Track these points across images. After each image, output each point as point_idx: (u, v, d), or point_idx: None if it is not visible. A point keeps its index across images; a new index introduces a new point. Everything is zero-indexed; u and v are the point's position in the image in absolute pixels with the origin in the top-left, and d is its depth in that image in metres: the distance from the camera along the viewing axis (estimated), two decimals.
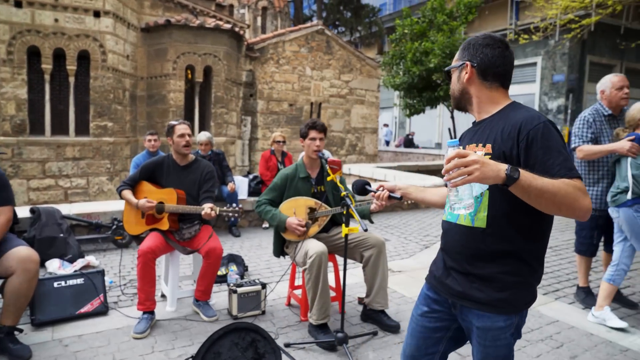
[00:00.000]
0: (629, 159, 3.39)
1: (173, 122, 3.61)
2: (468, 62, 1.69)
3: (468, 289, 1.62)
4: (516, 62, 14.36)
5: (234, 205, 3.39)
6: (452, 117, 10.55)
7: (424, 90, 9.98)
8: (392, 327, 3.33)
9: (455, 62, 1.76)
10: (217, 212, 3.31)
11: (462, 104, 1.77)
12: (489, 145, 1.59)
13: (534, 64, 20.33)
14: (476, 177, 1.32)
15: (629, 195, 3.37)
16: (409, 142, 23.62)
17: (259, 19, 19.46)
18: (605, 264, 4.01)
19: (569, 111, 19.31)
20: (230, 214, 3.33)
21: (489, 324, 1.60)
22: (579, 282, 4.07)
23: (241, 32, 12.94)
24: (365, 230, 2.67)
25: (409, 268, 4.93)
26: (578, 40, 18.18)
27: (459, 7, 9.72)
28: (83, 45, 10.05)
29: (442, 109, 20.85)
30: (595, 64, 20.15)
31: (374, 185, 2.25)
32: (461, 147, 1.53)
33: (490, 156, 1.54)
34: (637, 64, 20.93)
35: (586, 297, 3.96)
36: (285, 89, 14.13)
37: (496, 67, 1.67)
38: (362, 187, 2.27)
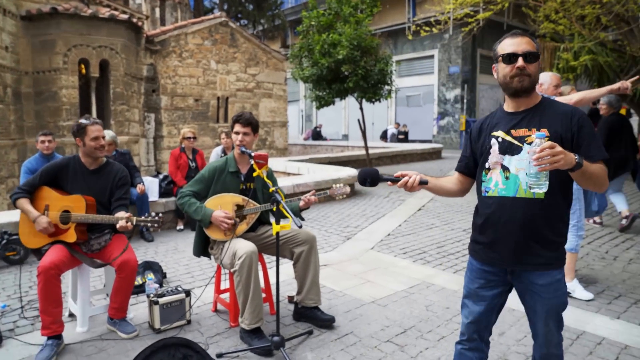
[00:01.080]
0: None
1: (84, 122, 3.16)
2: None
3: (528, 254, 1.91)
4: (415, 55, 15.09)
5: (153, 214, 3.00)
6: (361, 109, 10.74)
7: (333, 82, 10.03)
8: (328, 321, 3.26)
9: (536, 50, 1.92)
10: (134, 223, 2.93)
11: (532, 90, 1.95)
12: (544, 129, 1.87)
13: (432, 56, 21.43)
14: (561, 165, 1.66)
15: None
16: (317, 135, 23.86)
17: (157, 10, 18.46)
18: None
19: (465, 100, 20.62)
20: (149, 225, 2.94)
21: (549, 279, 1.92)
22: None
23: (139, 24, 12.16)
24: (300, 226, 2.55)
25: (334, 261, 4.90)
26: (470, 34, 19.45)
27: (364, 0, 9.88)
28: None
29: (348, 101, 21.28)
30: (485, 57, 21.68)
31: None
32: (547, 139, 1.70)
33: (548, 138, 1.78)
34: None
35: None
36: (190, 83, 13.54)
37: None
38: (376, 177, 2.03)
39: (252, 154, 2.99)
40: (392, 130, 21.26)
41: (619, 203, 6.02)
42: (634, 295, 3.90)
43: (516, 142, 1.92)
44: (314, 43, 9.73)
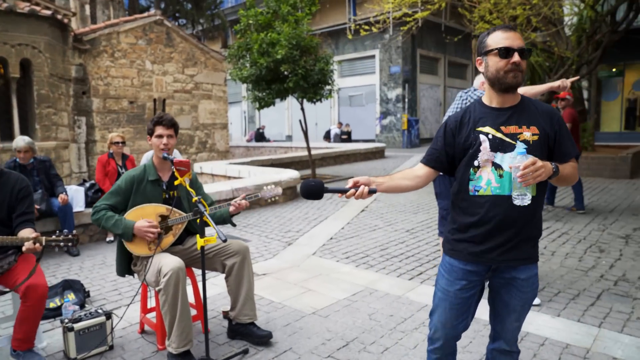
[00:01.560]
0: None
1: None
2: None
3: (517, 250, 1.94)
4: (357, 55, 15.13)
5: (65, 232, 2.66)
6: (302, 109, 10.56)
7: (272, 82, 9.78)
8: (264, 337, 3.04)
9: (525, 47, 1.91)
10: (44, 244, 2.57)
11: (517, 85, 1.93)
12: (533, 127, 1.91)
13: (373, 56, 21.62)
14: (543, 178, 1.78)
15: None
16: (260, 136, 23.52)
17: (87, 8, 17.47)
18: None
19: (406, 100, 20.95)
20: (62, 244, 2.60)
21: (529, 273, 1.99)
22: None
23: (65, 21, 11.39)
24: (224, 240, 2.32)
25: (274, 269, 4.69)
26: (409, 34, 19.77)
27: None
28: None
29: (290, 101, 21.10)
30: (424, 57, 22.15)
31: (334, 185, 1.92)
32: (528, 155, 1.78)
33: (538, 136, 1.90)
34: (456, 57, 23.53)
35: None
36: (123, 84, 12.87)
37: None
38: (319, 190, 1.92)
39: (174, 160, 2.72)
40: (335, 130, 21.27)
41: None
42: (572, 290, 3.95)
43: (508, 140, 1.90)
44: (252, 42, 9.45)
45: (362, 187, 1.92)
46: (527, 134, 1.89)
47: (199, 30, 26.48)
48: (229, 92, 18.70)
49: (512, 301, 2.01)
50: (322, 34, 21.52)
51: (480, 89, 3.82)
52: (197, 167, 11.63)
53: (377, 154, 16.73)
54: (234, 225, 3.20)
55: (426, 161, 2.07)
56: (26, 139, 5.20)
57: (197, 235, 2.45)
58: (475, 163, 1.93)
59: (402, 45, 20.45)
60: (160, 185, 3.01)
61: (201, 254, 2.50)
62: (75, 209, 5.49)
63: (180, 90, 14.27)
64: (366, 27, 10.41)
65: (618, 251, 5.01)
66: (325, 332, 3.24)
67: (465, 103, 3.81)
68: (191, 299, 3.31)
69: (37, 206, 4.95)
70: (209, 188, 7.31)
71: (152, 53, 13.41)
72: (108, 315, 2.99)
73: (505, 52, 1.85)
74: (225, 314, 3.38)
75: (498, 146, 1.89)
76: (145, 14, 13.90)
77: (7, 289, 2.80)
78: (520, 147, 1.85)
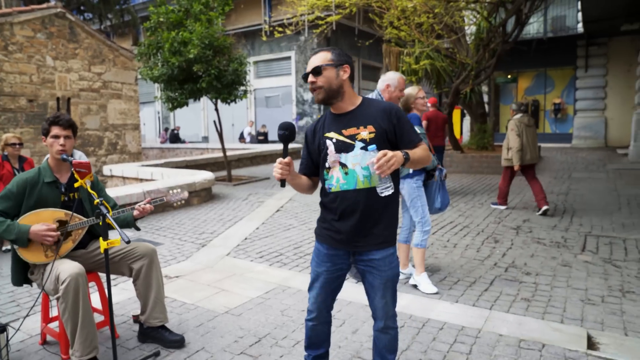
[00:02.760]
0: None
1: None
2: (347, 65, 2.19)
3: (369, 235, 2.19)
4: (273, 56, 15.20)
5: None
6: (217, 110, 10.44)
7: (185, 82, 9.56)
8: (176, 342, 3.02)
9: (329, 61, 2.15)
10: None
11: (334, 97, 2.17)
12: (370, 126, 2.15)
13: (289, 57, 21.79)
14: (396, 165, 1.96)
15: (411, 170, 3.92)
16: (175, 138, 22.83)
17: None
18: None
19: None
20: None
21: (385, 254, 2.22)
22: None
23: None
24: (128, 242, 2.29)
25: (187, 271, 4.63)
26: (324, 37, 20.11)
27: None
28: None
29: (205, 102, 20.68)
30: None
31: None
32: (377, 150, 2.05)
33: (374, 133, 2.13)
34: (370, 61, 24.38)
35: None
36: (21, 81, 11.93)
37: (353, 74, 2.23)
38: (293, 133, 2.17)
39: (72, 162, 2.62)
40: (247, 129, 21.18)
41: None
42: (469, 278, 4.29)
43: (348, 141, 2.15)
44: (163, 41, 9.18)
45: (291, 167, 2.14)
46: (364, 133, 2.14)
47: (108, 25, 25.11)
48: (142, 92, 17.96)
49: (374, 281, 2.25)
50: (237, 34, 21.34)
51: (383, 93, 4.05)
52: (106, 170, 11.08)
53: (293, 154, 16.90)
54: (137, 229, 3.13)
55: (300, 170, 2.35)
56: None
57: (100, 239, 2.39)
58: (327, 165, 2.21)
59: (317, 47, 20.81)
60: (59, 188, 2.88)
61: (105, 257, 2.43)
62: None
63: (86, 88, 13.48)
64: (280, 29, 10.51)
65: (510, 241, 5.51)
66: (238, 330, 3.28)
67: None
68: (98, 304, 3.21)
69: None
70: (120, 191, 7.02)
71: (53, 48, 12.54)
72: (2, 329, 2.80)
73: (305, 78, 2.20)
74: (136, 318, 3.31)
75: (341, 148, 2.16)
76: (44, 5, 12.90)
77: None
78: (358, 145, 2.12)
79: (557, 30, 18.38)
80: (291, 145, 14.72)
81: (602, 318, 3.41)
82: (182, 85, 9.67)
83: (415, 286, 4.09)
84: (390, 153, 1.94)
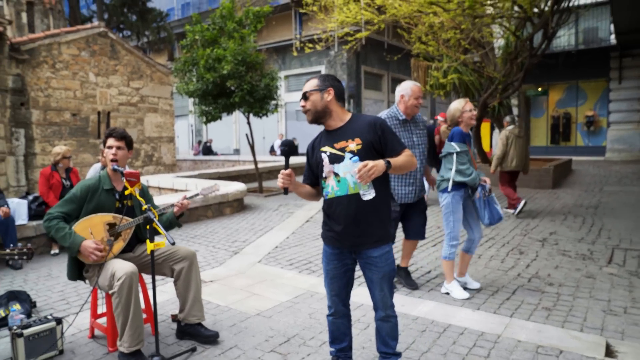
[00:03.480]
0: (455, 156, 4.04)
1: None
2: (332, 87, 2.51)
3: (364, 235, 2.48)
4: (303, 70, 15.54)
5: (19, 245, 2.77)
6: (249, 123, 10.80)
7: (219, 97, 9.97)
8: (211, 337, 3.26)
9: (315, 87, 2.50)
10: None
11: (322, 116, 2.53)
12: (357, 139, 2.45)
13: (319, 72, 22.16)
14: (377, 174, 2.25)
15: (450, 185, 4.04)
16: (207, 150, 23.44)
17: (24, 15, 16.94)
18: (404, 249, 4.54)
19: None
20: (17, 257, 2.73)
21: (381, 252, 2.51)
22: (402, 263, 4.51)
23: (0, 29, 11.09)
24: (173, 243, 2.55)
25: (220, 276, 4.89)
26: (353, 52, 20.42)
27: (248, 16, 9.98)
28: None
29: (237, 115, 21.21)
30: (368, 74, 22.94)
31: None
32: (359, 161, 2.31)
33: (361, 145, 2.43)
34: (399, 74, 24.55)
35: (407, 277, 4.46)
36: (66, 96, 12.62)
37: (342, 93, 2.56)
38: (292, 146, 2.45)
39: (124, 172, 2.92)
40: (278, 142, 21.59)
41: None
42: (492, 288, 4.40)
43: (339, 153, 2.48)
44: (198, 57, 9.62)
45: (292, 178, 2.48)
46: (352, 145, 2.45)
47: (145, 42, 26.13)
48: (176, 106, 18.59)
49: (373, 276, 2.56)
50: (269, 49, 21.86)
51: (399, 105, 4.14)
52: (143, 180, 11.51)
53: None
54: (179, 226, 3.42)
55: (303, 181, 2.73)
56: None
57: (147, 241, 2.66)
58: (323, 175, 2.54)
59: (347, 62, 21.13)
60: (114, 195, 3.19)
61: (151, 257, 2.70)
62: (18, 222, 5.47)
63: (125, 103, 14.13)
64: (310, 45, 10.82)
65: (535, 253, 5.56)
66: (268, 330, 3.50)
67: (390, 120, 4.12)
68: (142, 303, 3.48)
69: None
70: (157, 200, 7.38)
71: (95, 65, 13.24)
72: (58, 321, 3.11)
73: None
74: (174, 317, 3.57)
75: (334, 159, 2.49)
76: (89, 25, 13.70)
77: None
78: (348, 156, 2.43)
79: (589, 42, 18.18)
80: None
81: (623, 328, 3.47)
82: (216, 100, 10.07)
83: (447, 294, 4.21)
84: (370, 163, 2.24)
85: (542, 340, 3.27)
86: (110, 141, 3.14)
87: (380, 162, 2.30)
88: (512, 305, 3.96)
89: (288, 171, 2.44)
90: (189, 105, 21.16)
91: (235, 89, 9.77)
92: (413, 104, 4.05)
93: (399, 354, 2.73)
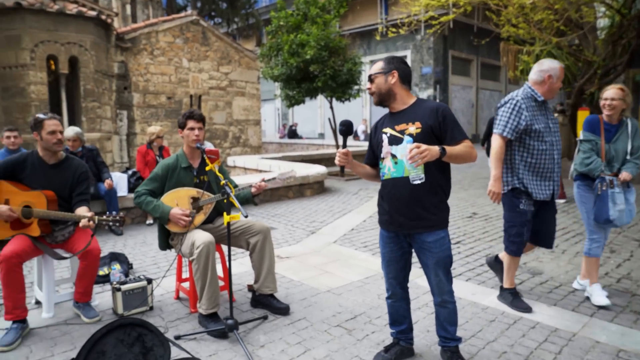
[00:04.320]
0: (579, 144, 3.77)
1: (41, 116, 3.25)
2: (396, 70, 2.52)
3: (417, 220, 2.49)
4: (389, 55, 15.31)
5: (114, 213, 3.16)
6: (331, 108, 10.95)
7: (302, 81, 10.22)
8: (282, 310, 3.45)
9: (379, 70, 2.54)
10: (96, 222, 3.05)
11: (386, 99, 2.57)
12: (418, 123, 2.46)
13: (404, 57, 21.77)
14: (429, 158, 2.23)
15: (573, 174, 3.85)
16: (292, 133, 24.03)
17: (128, 7, 18.32)
18: (526, 250, 3.93)
19: (437, 101, 21.06)
20: (111, 223, 3.09)
21: (435, 237, 2.51)
22: (505, 284, 3.77)
23: (109, 21, 12.12)
24: (246, 216, 2.75)
25: (296, 253, 5.10)
26: (439, 35, 19.80)
27: (330, 1, 10.09)
28: None
29: (322, 100, 21.51)
30: (456, 58, 22.18)
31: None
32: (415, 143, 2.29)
33: (421, 129, 2.44)
34: (489, 59, 23.45)
35: (514, 299, 3.67)
36: (162, 81, 13.56)
37: (407, 76, 2.57)
38: (350, 126, 2.58)
39: (205, 150, 3.16)
40: (361, 127, 21.57)
41: None
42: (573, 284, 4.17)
43: (399, 135, 2.51)
44: (282, 43, 9.90)
45: (349, 157, 2.53)
46: (412, 128, 2.46)
47: (234, 28, 27.18)
48: (264, 90, 19.22)
49: (427, 261, 2.56)
50: (353, 34, 21.82)
51: (541, 86, 3.46)
52: (230, 161, 12.16)
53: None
54: (255, 204, 3.63)
55: (364, 161, 2.78)
56: (75, 129, 5.79)
57: (224, 213, 2.88)
58: (382, 155, 2.58)
59: (434, 46, 20.57)
60: (192, 171, 3.46)
61: (227, 229, 2.93)
62: (119, 194, 6.06)
63: (215, 87, 14.88)
64: (393, 30, 10.70)
65: (629, 252, 5.18)
66: (337, 307, 3.63)
67: (520, 105, 3.40)
68: (221, 273, 3.76)
69: None
70: (241, 180, 7.78)
71: (188, 51, 14.05)
72: (149, 281, 3.48)
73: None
74: (250, 287, 3.81)
75: (393, 141, 2.51)
76: (182, 14, 14.54)
77: (68, 255, 3.29)
78: (406, 139, 2.44)
79: None
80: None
81: None
82: (299, 84, 10.34)
83: (588, 298, 3.83)
84: (423, 146, 2.21)
85: (626, 344, 3.04)
86: (192, 123, 3.37)
87: (435, 148, 2.28)
88: (593, 305, 3.72)
89: (345, 150, 2.49)
90: (276, 90, 21.84)
91: (318, 74, 9.95)
92: (558, 86, 3.52)
93: (458, 339, 2.72)
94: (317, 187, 9.05)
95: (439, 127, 2.45)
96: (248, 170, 11.20)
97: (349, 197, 8.52)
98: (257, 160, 11.35)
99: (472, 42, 20.19)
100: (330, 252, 5.18)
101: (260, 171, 10.49)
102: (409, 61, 21.61)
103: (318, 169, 9.31)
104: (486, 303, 3.71)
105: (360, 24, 22.36)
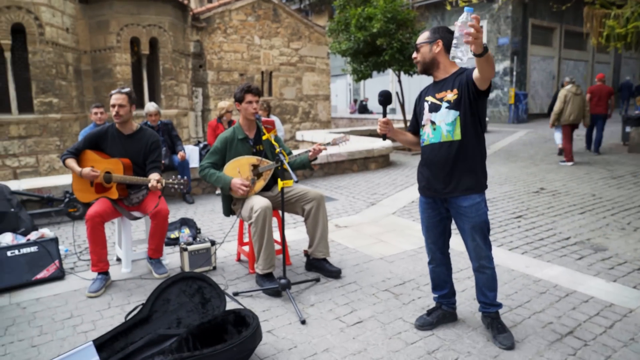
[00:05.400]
0: None
1: (112, 92, 3.70)
2: (441, 39, 2.56)
3: (453, 183, 2.56)
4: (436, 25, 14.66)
5: (179, 177, 3.54)
6: (400, 82, 10.86)
7: (369, 55, 10.20)
8: (334, 273, 3.65)
9: (425, 39, 2.59)
10: (164, 184, 3.45)
11: (430, 68, 2.63)
12: (455, 90, 2.52)
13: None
14: (479, 40, 2.09)
15: None
16: (363, 108, 23.99)
17: None
18: None
19: (514, 73, 20.05)
20: (177, 186, 3.50)
21: (471, 202, 2.56)
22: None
23: (185, 2, 12.72)
24: (296, 181, 2.94)
25: (354, 223, 5.27)
26: (518, 3, 18.72)
27: None
28: (16, 18, 9.66)
29: (393, 75, 21.19)
30: (537, 27, 20.87)
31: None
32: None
33: (457, 94, 2.49)
34: (575, 27, 21.81)
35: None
36: (234, 58, 14.06)
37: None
38: (388, 96, 2.69)
39: (262, 120, 3.37)
40: None
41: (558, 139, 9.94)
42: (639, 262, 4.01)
43: (438, 102, 2.59)
44: (350, 17, 9.91)
45: (389, 125, 2.68)
46: (450, 95, 2.53)
47: (307, 4, 27.30)
48: (335, 65, 19.30)
49: (464, 226, 2.63)
50: (423, 6, 21.16)
51: None
52: (299, 135, 12.48)
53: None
54: (312, 168, 3.84)
55: (408, 129, 2.89)
56: (154, 105, 6.28)
57: (279, 179, 3.10)
58: (422, 122, 2.67)
59: (512, 15, 19.49)
60: (248, 142, 3.71)
61: (281, 194, 3.15)
62: (191, 165, 6.51)
63: (285, 63, 15.19)
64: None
65: None
66: (387, 273, 3.77)
67: None
68: (278, 237, 4.02)
69: (162, 161, 6.01)
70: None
71: (260, 29, 14.41)
72: (212, 242, 3.81)
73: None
74: (305, 252, 4.04)
75: (433, 108, 2.60)
76: None
77: (142, 215, 3.70)
78: (444, 105, 2.54)
79: None
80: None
81: None
82: (367, 58, 10.33)
83: None
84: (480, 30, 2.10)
85: None
86: (249, 97, 3.60)
87: (482, 39, 2.14)
88: None
89: (385, 119, 2.63)
90: (344, 65, 21.80)
91: (386, 47, 9.88)
92: None
93: (498, 305, 2.76)
94: (382, 161, 9.12)
95: (465, 80, 2.47)
96: (315, 144, 11.44)
97: (413, 171, 8.52)
98: (324, 134, 11.56)
99: (553, 8, 18.91)
100: (387, 222, 5.30)
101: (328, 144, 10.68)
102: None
103: (383, 143, 9.33)
104: (539, 276, 3.68)
105: None
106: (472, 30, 2.06)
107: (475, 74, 2.39)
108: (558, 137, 9.98)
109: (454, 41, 2.17)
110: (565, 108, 8.87)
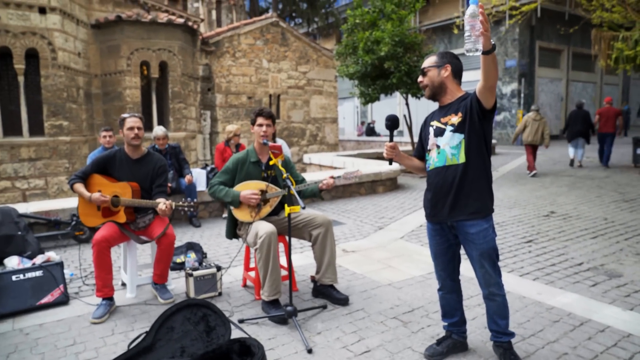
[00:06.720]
0: None
1: (125, 115, 3.70)
2: (449, 64, 2.56)
3: (459, 207, 2.52)
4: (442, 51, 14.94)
5: (189, 199, 3.51)
6: (407, 104, 10.88)
7: (377, 78, 10.25)
8: (341, 300, 3.57)
9: (433, 63, 2.58)
10: (173, 207, 3.42)
11: (438, 92, 2.61)
12: (460, 113, 2.50)
13: None
14: (486, 32, 2.09)
15: None
16: (370, 131, 24.05)
17: (213, 13, 19.34)
18: None
19: (522, 95, 20.08)
20: (186, 208, 3.45)
21: (478, 228, 2.52)
22: None
23: (195, 26, 12.91)
24: (304, 208, 2.90)
25: (362, 248, 5.20)
26: (525, 25, 18.85)
27: None
28: (30, 43, 9.85)
29: (401, 98, 21.29)
30: (544, 49, 20.98)
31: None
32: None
33: (462, 117, 2.48)
34: (583, 49, 21.88)
35: None
36: (243, 82, 14.20)
37: (460, 71, 2.60)
38: (395, 121, 2.69)
39: (269, 145, 3.35)
40: None
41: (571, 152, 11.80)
42: None
43: (442, 126, 2.58)
44: (358, 41, 9.99)
45: (396, 150, 2.64)
46: (454, 118, 2.53)
47: (314, 28, 27.68)
48: (342, 88, 19.44)
49: (472, 252, 2.58)
50: (431, 29, 21.34)
51: None
52: (306, 158, 12.49)
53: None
54: (322, 198, 3.82)
55: (413, 154, 2.89)
56: (163, 128, 6.31)
57: (285, 205, 3.06)
58: (428, 147, 2.66)
59: (519, 38, 19.62)
60: (260, 166, 3.69)
61: (288, 220, 3.11)
62: (199, 188, 6.51)
63: (293, 86, 15.31)
64: None
65: None
66: (395, 300, 3.69)
67: None
68: (284, 263, 3.96)
69: (169, 184, 6.00)
70: (314, 176, 8.01)
71: (268, 52, 14.57)
72: (218, 268, 3.77)
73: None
74: (312, 278, 3.97)
75: (438, 133, 2.59)
76: (263, 17, 15.12)
77: (148, 240, 3.67)
78: (448, 129, 2.53)
79: None
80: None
81: None
82: (374, 81, 10.38)
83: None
84: (486, 23, 2.09)
85: None
86: (260, 120, 3.61)
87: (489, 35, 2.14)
88: None
89: (392, 143, 2.62)
90: (353, 88, 21.94)
91: (393, 70, 9.93)
92: None
93: (510, 334, 2.68)
94: (389, 184, 9.07)
95: (470, 102, 2.47)
96: (323, 167, 11.45)
97: (421, 194, 8.44)
98: (332, 157, 11.56)
99: (560, 31, 19.00)
100: (395, 247, 5.22)
101: (335, 168, 10.68)
102: None
103: (391, 167, 9.30)
104: (552, 303, 3.59)
105: (441, 18, 21.83)
106: (482, 19, 2.06)
107: (479, 86, 2.36)
108: (571, 151, 11.77)
109: (466, 34, 2.16)
110: (525, 130, 10.44)
